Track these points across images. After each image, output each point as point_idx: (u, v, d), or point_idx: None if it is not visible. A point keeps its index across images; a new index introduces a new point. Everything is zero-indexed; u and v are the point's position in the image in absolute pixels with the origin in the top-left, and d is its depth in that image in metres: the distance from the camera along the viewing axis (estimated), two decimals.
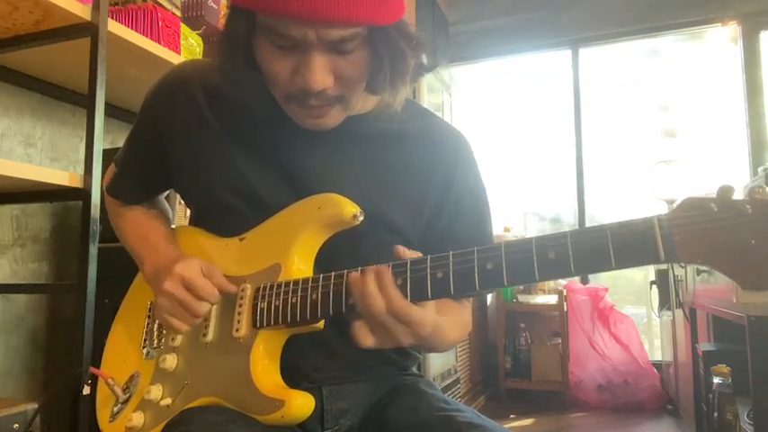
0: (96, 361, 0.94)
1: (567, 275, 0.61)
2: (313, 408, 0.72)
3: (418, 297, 0.67)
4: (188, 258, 0.79)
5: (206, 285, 0.76)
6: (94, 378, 0.91)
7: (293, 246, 0.76)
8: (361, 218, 0.73)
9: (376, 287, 0.66)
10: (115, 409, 0.85)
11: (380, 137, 0.85)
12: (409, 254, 0.70)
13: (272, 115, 0.83)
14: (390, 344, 0.69)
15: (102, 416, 0.87)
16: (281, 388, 0.73)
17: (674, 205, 0.59)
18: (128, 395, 0.84)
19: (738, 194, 0.57)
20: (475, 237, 0.87)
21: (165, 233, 0.92)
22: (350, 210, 0.73)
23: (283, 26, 0.67)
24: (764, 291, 0.57)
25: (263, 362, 0.74)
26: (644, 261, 0.58)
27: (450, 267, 0.65)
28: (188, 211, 1.58)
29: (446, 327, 0.76)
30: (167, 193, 1.06)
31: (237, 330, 0.76)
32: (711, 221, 0.56)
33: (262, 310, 0.75)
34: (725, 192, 0.56)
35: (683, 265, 2.52)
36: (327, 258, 0.77)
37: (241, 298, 0.77)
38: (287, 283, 0.74)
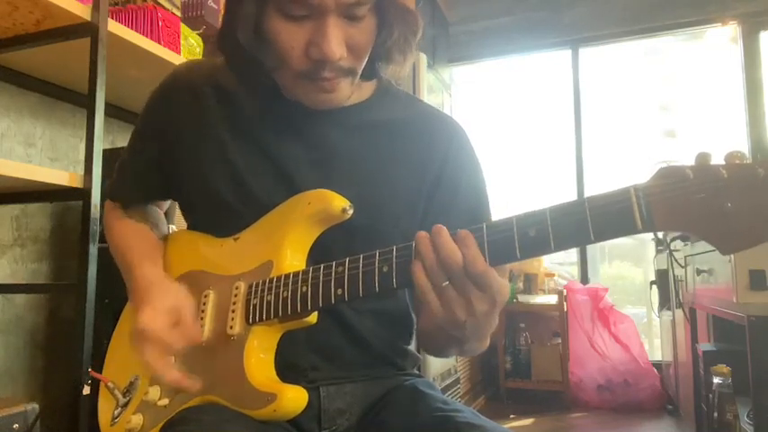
0: (96, 361, 0.94)
1: (547, 252, 0.60)
2: (306, 402, 0.71)
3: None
4: (157, 301, 0.76)
5: (172, 341, 0.73)
6: (95, 380, 0.91)
7: (284, 242, 0.77)
8: (351, 212, 0.73)
9: (453, 241, 0.62)
10: (116, 412, 0.85)
11: (373, 126, 0.86)
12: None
13: (264, 113, 0.84)
14: (463, 314, 0.63)
15: (104, 419, 0.87)
16: (274, 382, 0.73)
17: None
18: (128, 398, 0.84)
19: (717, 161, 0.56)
20: (470, 222, 0.86)
21: (149, 252, 0.89)
22: (338, 204, 0.73)
23: None
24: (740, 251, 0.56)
25: (257, 356, 0.74)
26: (623, 232, 0.57)
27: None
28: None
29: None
30: (167, 204, 1.06)
31: (231, 327, 0.76)
32: (687, 187, 0.55)
33: (254, 306, 0.75)
34: (702, 158, 0.56)
35: (682, 265, 2.52)
36: (323, 252, 0.77)
37: (235, 296, 0.78)
38: (278, 279, 0.74)
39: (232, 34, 0.75)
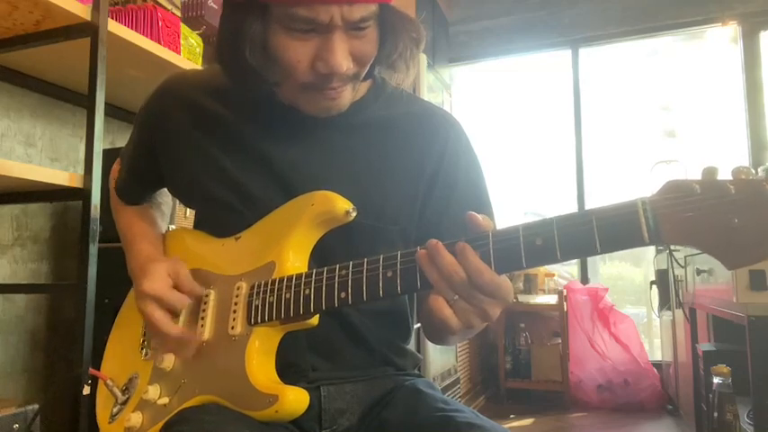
0: (96, 361, 0.94)
1: (553, 262, 0.61)
2: (307, 404, 0.72)
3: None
4: (154, 268, 0.80)
5: (173, 298, 0.78)
6: (95, 379, 0.91)
7: (287, 243, 0.77)
8: (354, 214, 0.74)
9: (453, 257, 0.63)
10: (114, 410, 0.85)
11: (369, 125, 0.86)
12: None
13: (259, 118, 0.84)
14: (478, 322, 0.65)
15: (102, 417, 0.87)
16: (276, 383, 0.73)
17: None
18: (126, 396, 0.84)
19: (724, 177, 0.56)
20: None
21: (147, 232, 0.94)
22: (342, 206, 0.74)
23: (308, 11, 0.69)
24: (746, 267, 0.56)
25: (259, 358, 0.74)
26: (629, 245, 0.58)
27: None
28: (188, 211, 1.58)
29: None
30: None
31: (233, 328, 0.76)
32: (695, 202, 0.55)
33: (256, 307, 0.75)
34: (709, 173, 0.56)
35: (682, 265, 2.52)
36: (323, 252, 0.78)
37: (236, 296, 0.78)
38: (281, 280, 0.74)
39: (234, 50, 0.74)
